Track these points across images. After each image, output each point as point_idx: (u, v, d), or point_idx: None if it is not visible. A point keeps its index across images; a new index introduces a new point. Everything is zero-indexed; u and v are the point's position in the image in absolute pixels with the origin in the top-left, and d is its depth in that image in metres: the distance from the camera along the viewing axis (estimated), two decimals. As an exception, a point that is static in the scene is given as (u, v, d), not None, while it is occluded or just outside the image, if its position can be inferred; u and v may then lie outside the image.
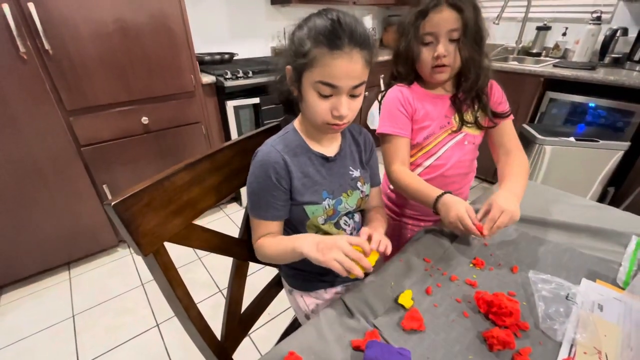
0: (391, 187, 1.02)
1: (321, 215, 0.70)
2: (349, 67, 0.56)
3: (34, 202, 1.48)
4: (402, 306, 0.57)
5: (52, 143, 1.44)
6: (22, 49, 1.25)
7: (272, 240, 0.68)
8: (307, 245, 0.57)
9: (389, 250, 0.60)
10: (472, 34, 0.75)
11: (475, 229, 0.65)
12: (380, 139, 0.90)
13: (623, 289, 0.61)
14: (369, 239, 0.60)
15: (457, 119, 0.87)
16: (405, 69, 0.86)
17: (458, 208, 0.68)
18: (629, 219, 0.80)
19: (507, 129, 0.88)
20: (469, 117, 0.87)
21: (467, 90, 0.83)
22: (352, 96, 0.61)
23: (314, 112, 0.62)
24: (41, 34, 1.26)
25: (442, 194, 0.73)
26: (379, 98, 0.93)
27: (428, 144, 0.88)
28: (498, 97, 0.88)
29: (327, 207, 0.70)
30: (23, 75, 1.29)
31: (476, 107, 0.86)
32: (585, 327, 0.53)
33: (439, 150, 0.89)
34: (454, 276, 0.64)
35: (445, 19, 0.74)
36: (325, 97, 0.59)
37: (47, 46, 1.29)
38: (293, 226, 0.74)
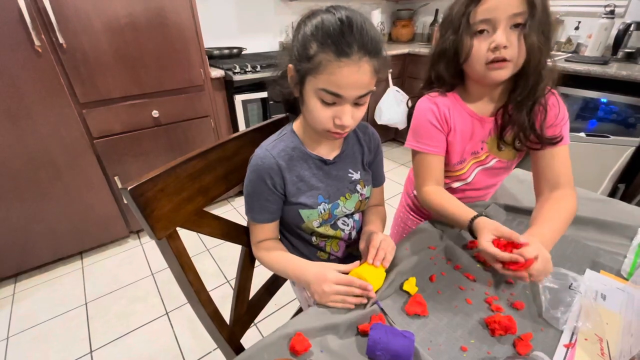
0: (415, 191, 0.98)
1: (316, 219, 0.70)
2: (356, 77, 0.52)
3: (48, 192, 1.52)
4: (407, 292, 0.58)
5: (66, 135, 1.48)
6: (36, 42, 1.28)
7: (271, 255, 0.71)
8: (305, 284, 0.62)
9: (387, 261, 0.61)
10: (540, 20, 0.58)
11: (495, 264, 0.56)
12: (412, 152, 0.81)
13: (627, 279, 0.61)
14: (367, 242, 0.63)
15: (494, 140, 0.75)
16: (449, 71, 0.71)
17: (481, 239, 0.59)
18: (635, 212, 0.80)
19: (558, 157, 0.70)
20: (508, 138, 0.73)
21: (524, 98, 0.66)
22: (357, 104, 0.58)
23: (314, 119, 0.59)
24: (55, 27, 1.29)
25: (475, 218, 0.64)
26: (407, 103, 0.84)
27: (459, 169, 0.80)
28: (553, 114, 0.69)
29: (322, 211, 0.70)
30: (38, 68, 1.33)
31: (522, 124, 0.69)
32: (587, 316, 0.53)
33: (469, 176, 0.82)
34: (458, 265, 0.65)
35: (506, 1, 0.58)
36: (328, 104, 0.56)
37: (61, 40, 1.32)
38: (289, 228, 0.75)
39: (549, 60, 0.64)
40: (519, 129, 0.70)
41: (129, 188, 0.50)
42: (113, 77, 1.50)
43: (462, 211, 0.68)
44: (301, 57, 0.55)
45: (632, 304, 0.54)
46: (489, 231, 0.58)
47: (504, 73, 0.63)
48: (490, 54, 0.61)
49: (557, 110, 0.70)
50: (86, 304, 1.52)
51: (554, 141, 0.69)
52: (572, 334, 0.51)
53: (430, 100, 0.75)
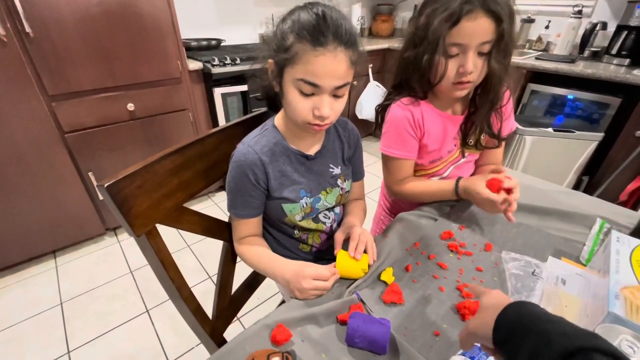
0: (390, 199, 1.02)
1: (298, 213, 0.72)
2: (332, 66, 0.54)
3: (17, 189, 1.46)
4: (384, 282, 0.61)
5: (35, 129, 1.41)
6: (1, 31, 1.21)
7: (252, 253, 0.72)
8: (284, 283, 0.63)
9: (369, 248, 0.65)
10: (503, 47, 0.65)
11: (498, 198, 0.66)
12: (383, 156, 0.87)
13: (585, 265, 0.66)
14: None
15: (461, 141, 0.84)
16: (420, 85, 0.75)
17: (477, 189, 0.69)
18: (594, 203, 0.86)
19: (502, 146, 0.87)
20: (471, 139, 0.83)
21: (487, 111, 0.76)
22: (335, 96, 0.59)
23: (294, 111, 0.59)
24: (21, 15, 1.22)
25: (457, 183, 0.75)
26: (378, 108, 0.88)
27: (433, 167, 0.86)
28: (508, 111, 0.82)
29: (304, 205, 0.71)
30: (2, 58, 1.25)
31: (484, 129, 0.80)
32: (549, 299, 0.58)
33: (444, 172, 0.87)
34: (432, 255, 0.68)
35: (479, 29, 0.62)
36: (307, 95, 0.57)
37: (27, 28, 1.25)
38: (272, 222, 0.76)
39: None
40: (480, 132, 0.81)
41: (105, 185, 0.50)
42: (84, 69, 1.43)
43: (444, 184, 0.79)
44: (279, 49, 0.56)
45: (588, 288, 0.59)
46: (479, 180, 0.69)
47: (465, 92, 0.72)
48: (457, 75, 0.67)
49: (510, 107, 0.83)
50: (61, 303, 1.47)
51: (507, 137, 0.84)
52: (535, 316, 0.55)
53: (404, 108, 0.78)
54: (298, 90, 0.57)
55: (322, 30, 0.52)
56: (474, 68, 0.65)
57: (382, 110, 0.86)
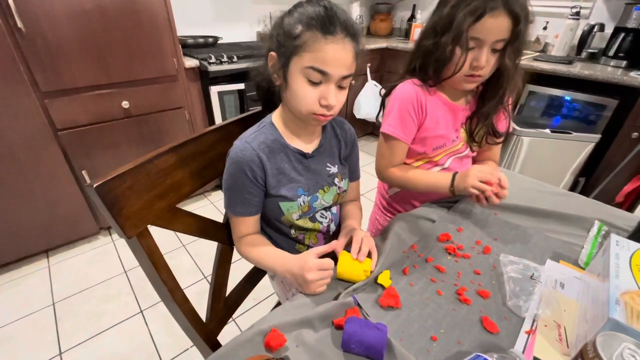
0: (390, 192, 1.01)
1: (296, 212, 0.71)
2: (341, 54, 0.56)
3: (9, 188, 1.43)
4: (381, 285, 0.60)
5: (27, 126, 1.39)
6: (-9, 26, 1.19)
7: (256, 251, 0.70)
8: (291, 278, 0.62)
9: (373, 253, 0.64)
10: (516, 47, 0.69)
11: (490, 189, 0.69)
12: (381, 137, 0.86)
13: (583, 269, 0.66)
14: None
15: (466, 136, 0.85)
16: (436, 73, 0.77)
17: (472, 173, 0.72)
18: (592, 206, 0.85)
19: (496, 147, 0.91)
20: (478, 136, 0.85)
21: (494, 105, 0.80)
22: (339, 88, 0.60)
23: (300, 101, 0.59)
24: (13, 10, 1.20)
25: (454, 175, 0.77)
26: (380, 92, 0.89)
27: (436, 155, 0.86)
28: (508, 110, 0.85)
29: (302, 203, 0.70)
30: (-7, 54, 1.23)
31: (489, 124, 0.83)
32: (547, 304, 0.57)
33: (446, 162, 0.87)
34: (430, 258, 0.67)
35: (499, 27, 0.65)
36: (314, 85, 0.58)
37: (19, 24, 1.23)
38: (268, 221, 0.75)
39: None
40: (485, 130, 0.84)
41: (94, 185, 0.48)
42: (78, 65, 1.41)
43: (438, 176, 0.80)
44: (286, 39, 0.57)
45: (588, 292, 0.58)
46: (475, 167, 0.73)
47: (473, 85, 0.76)
48: (470, 69, 0.71)
49: (509, 107, 0.85)
50: (54, 304, 1.45)
51: (506, 134, 0.86)
52: (533, 321, 0.55)
53: (412, 87, 0.80)
54: (306, 79, 0.58)
55: (331, 20, 0.54)
56: (486, 63, 0.69)
57: (388, 92, 0.86)
